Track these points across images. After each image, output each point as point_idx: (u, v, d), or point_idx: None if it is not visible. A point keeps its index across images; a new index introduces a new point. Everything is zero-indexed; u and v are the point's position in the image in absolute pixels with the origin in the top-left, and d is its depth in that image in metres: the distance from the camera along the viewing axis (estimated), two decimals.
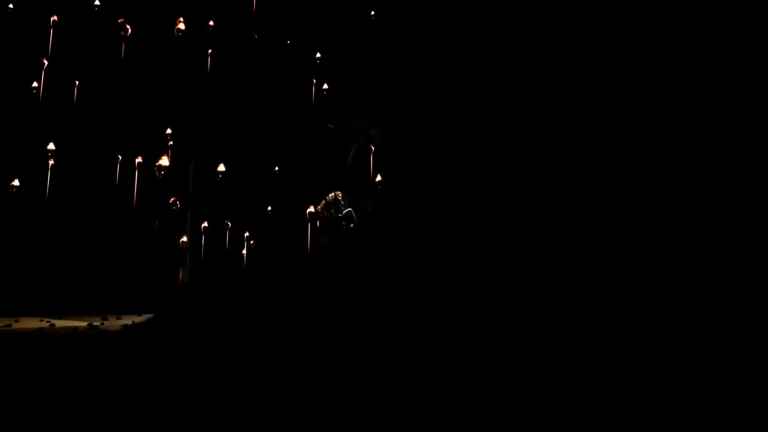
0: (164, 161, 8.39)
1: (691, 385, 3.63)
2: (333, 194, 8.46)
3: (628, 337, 4.61)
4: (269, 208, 10.04)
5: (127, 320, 7.70)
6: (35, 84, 8.35)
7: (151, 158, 8.75)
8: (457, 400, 3.44)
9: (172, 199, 9.07)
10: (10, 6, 8.25)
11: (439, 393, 3.54)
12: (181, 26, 8.47)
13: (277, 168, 10.13)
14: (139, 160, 8.73)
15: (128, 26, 7.99)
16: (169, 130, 8.97)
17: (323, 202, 8.48)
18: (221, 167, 9.20)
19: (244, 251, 9.53)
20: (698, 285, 5.58)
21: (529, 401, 3.43)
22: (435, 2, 9.19)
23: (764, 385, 3.41)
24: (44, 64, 8.24)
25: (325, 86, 9.89)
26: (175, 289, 9.55)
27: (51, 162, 8.26)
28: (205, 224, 9.40)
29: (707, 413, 3.19)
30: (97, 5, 8.44)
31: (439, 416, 3.20)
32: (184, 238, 9.70)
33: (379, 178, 9.37)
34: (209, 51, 9.29)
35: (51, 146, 8.32)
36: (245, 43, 9.82)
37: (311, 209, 8.90)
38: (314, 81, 9.83)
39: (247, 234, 9.59)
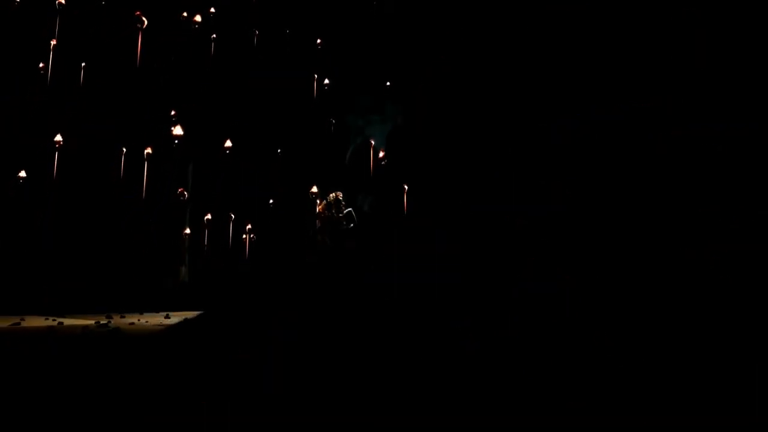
0: (178, 130, 8.25)
1: (691, 385, 3.63)
2: (333, 194, 8.46)
3: (627, 337, 4.61)
4: (270, 202, 10.00)
5: (132, 319, 7.71)
6: (41, 65, 8.25)
7: (152, 157, 8.73)
8: (457, 400, 3.44)
9: (179, 190, 9.01)
10: (17, 0, 8.20)
11: (439, 393, 3.54)
12: (198, 18, 8.40)
13: (279, 150, 10.00)
14: (148, 150, 8.61)
15: (144, 18, 7.91)
16: (173, 112, 8.88)
17: (324, 202, 8.48)
18: (228, 143, 9.07)
19: (245, 236, 9.46)
20: (698, 285, 5.59)
21: (529, 401, 3.43)
22: (435, 2, 9.19)
23: (764, 385, 3.41)
24: (52, 44, 8.11)
25: (326, 81, 9.85)
26: (178, 290, 9.55)
27: (59, 145, 8.18)
28: (208, 216, 9.33)
29: (707, 413, 3.19)
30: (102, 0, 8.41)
31: (439, 416, 3.20)
32: (188, 230, 9.66)
33: (381, 154, 9.31)
34: (212, 36, 9.19)
35: (58, 137, 8.26)
36: (245, 41, 9.80)
37: (314, 189, 8.80)
38: (315, 76, 9.78)
39: (249, 227, 9.54)
